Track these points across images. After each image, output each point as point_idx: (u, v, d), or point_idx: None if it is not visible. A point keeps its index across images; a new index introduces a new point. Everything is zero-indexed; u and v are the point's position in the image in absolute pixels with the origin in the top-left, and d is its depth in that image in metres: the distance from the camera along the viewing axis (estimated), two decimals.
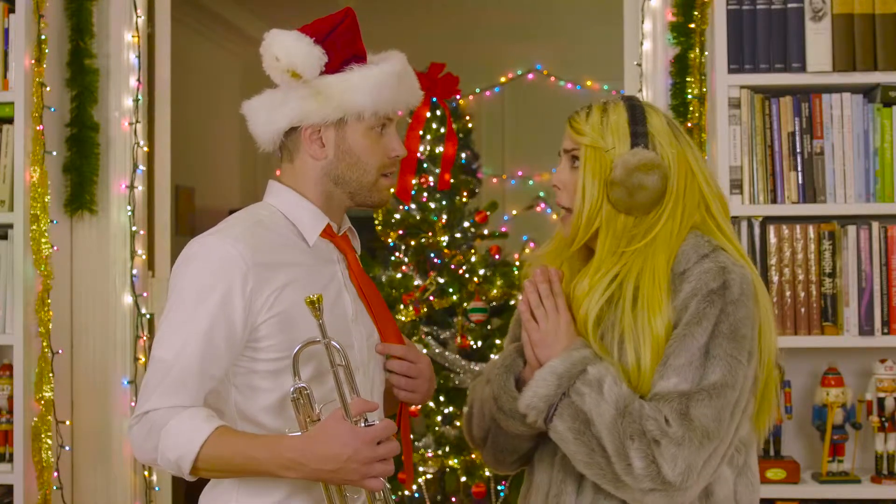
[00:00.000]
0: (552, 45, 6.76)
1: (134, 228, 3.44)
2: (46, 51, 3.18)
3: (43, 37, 3.17)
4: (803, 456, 3.10)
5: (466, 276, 4.51)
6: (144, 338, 3.45)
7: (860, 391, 3.03)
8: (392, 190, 2.03)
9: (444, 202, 4.68)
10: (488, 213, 4.74)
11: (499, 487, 4.39)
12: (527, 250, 5.18)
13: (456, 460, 4.34)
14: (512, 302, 4.61)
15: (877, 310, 2.92)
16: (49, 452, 3.11)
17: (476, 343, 4.49)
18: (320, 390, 1.83)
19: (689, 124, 3.16)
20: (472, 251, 4.66)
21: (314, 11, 1.98)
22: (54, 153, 3.29)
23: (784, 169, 2.98)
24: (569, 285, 1.89)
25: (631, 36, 3.48)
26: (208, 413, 1.79)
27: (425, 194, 4.67)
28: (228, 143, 6.49)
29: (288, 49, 1.86)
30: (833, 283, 2.94)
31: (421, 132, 4.15)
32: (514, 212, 6.57)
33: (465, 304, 4.45)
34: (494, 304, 4.55)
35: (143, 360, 3.42)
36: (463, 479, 4.34)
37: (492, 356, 4.48)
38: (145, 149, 3.53)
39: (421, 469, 4.35)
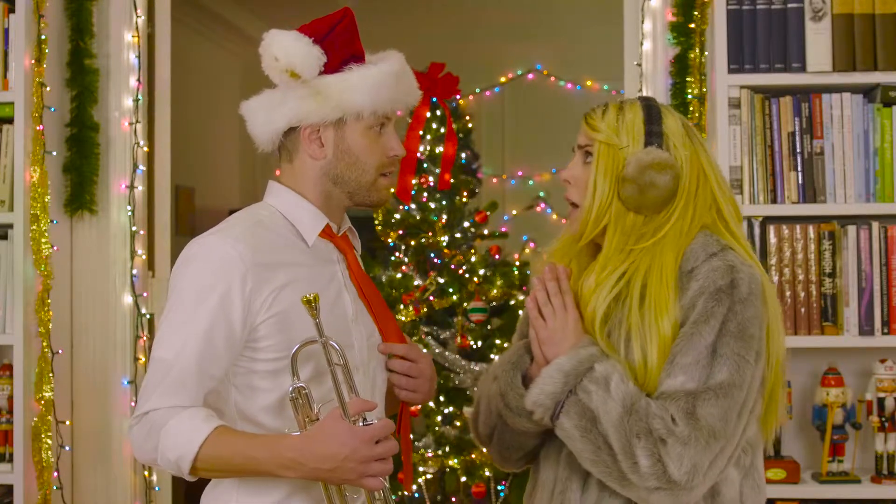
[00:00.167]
0: (552, 45, 6.76)
1: (134, 228, 3.44)
2: (46, 51, 3.18)
3: (43, 37, 3.17)
4: (803, 456, 3.10)
5: (466, 276, 4.51)
6: (144, 338, 3.45)
7: (860, 391, 3.03)
8: (391, 190, 2.03)
9: (444, 202, 4.68)
10: (488, 213, 4.74)
11: (499, 487, 4.39)
12: (527, 250, 5.19)
13: (456, 460, 4.34)
14: (512, 302, 4.61)
15: (877, 310, 2.92)
16: (49, 452, 3.11)
17: (476, 343, 4.49)
18: (320, 390, 1.83)
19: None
20: (472, 251, 4.66)
21: (314, 11, 1.98)
22: (54, 153, 3.29)
23: (784, 169, 2.98)
24: (576, 283, 1.89)
25: (631, 36, 3.48)
26: (208, 413, 1.79)
27: (425, 194, 4.67)
28: (228, 143, 6.49)
29: (287, 49, 1.87)
30: (833, 283, 2.94)
31: (421, 132, 4.15)
32: (514, 212, 6.57)
33: (465, 304, 4.45)
34: (494, 304, 4.56)
35: (143, 360, 3.42)
36: (463, 479, 4.34)
37: (492, 356, 4.49)
38: (145, 149, 3.53)
39: (421, 469, 4.36)
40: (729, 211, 1.88)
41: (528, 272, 4.64)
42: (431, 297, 4.46)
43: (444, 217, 4.64)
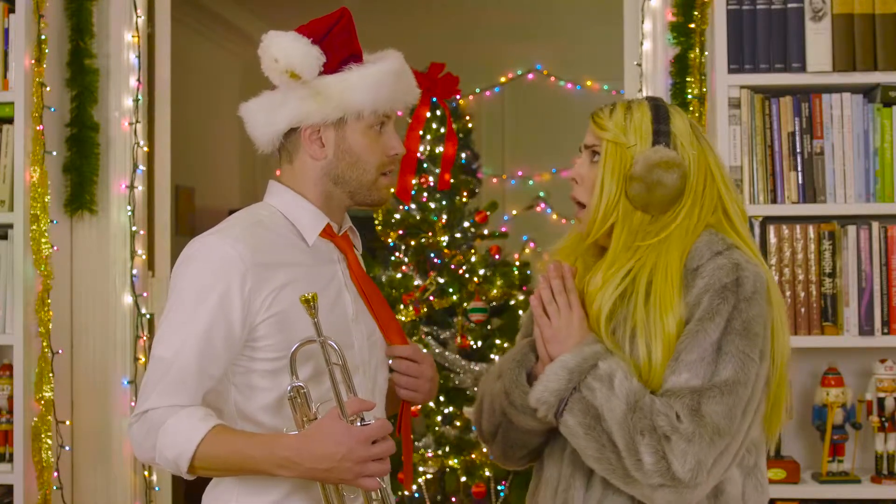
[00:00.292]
0: (552, 45, 6.76)
1: (134, 228, 3.44)
2: (46, 51, 3.18)
3: (43, 37, 3.17)
4: (803, 456, 3.10)
5: (466, 276, 4.52)
6: (144, 338, 3.45)
7: (860, 391, 3.03)
8: (392, 189, 2.03)
9: (444, 202, 4.68)
10: (488, 213, 4.74)
11: (499, 487, 4.40)
12: (527, 250, 5.19)
13: (456, 460, 4.35)
14: (512, 302, 4.61)
15: (877, 310, 2.92)
16: (49, 452, 3.11)
17: (476, 343, 4.49)
18: (319, 389, 1.83)
19: None
20: (472, 251, 4.66)
21: (314, 11, 1.99)
22: (54, 153, 3.29)
23: (784, 169, 2.98)
24: (582, 281, 1.89)
25: (631, 36, 3.48)
26: (206, 412, 1.80)
27: (425, 194, 4.68)
28: (228, 143, 6.48)
29: (286, 50, 1.87)
30: (833, 283, 2.94)
31: (421, 132, 4.15)
32: (514, 212, 6.58)
33: (465, 304, 4.45)
34: (494, 304, 4.56)
35: (143, 360, 3.42)
36: (463, 479, 4.35)
37: (492, 356, 4.49)
38: (145, 149, 3.53)
39: (421, 469, 4.36)
40: (735, 211, 1.89)
41: (529, 272, 4.65)
42: (431, 297, 4.46)
43: (444, 217, 4.64)
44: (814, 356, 3.03)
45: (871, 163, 2.96)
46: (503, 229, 5.18)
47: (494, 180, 6.89)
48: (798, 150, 2.97)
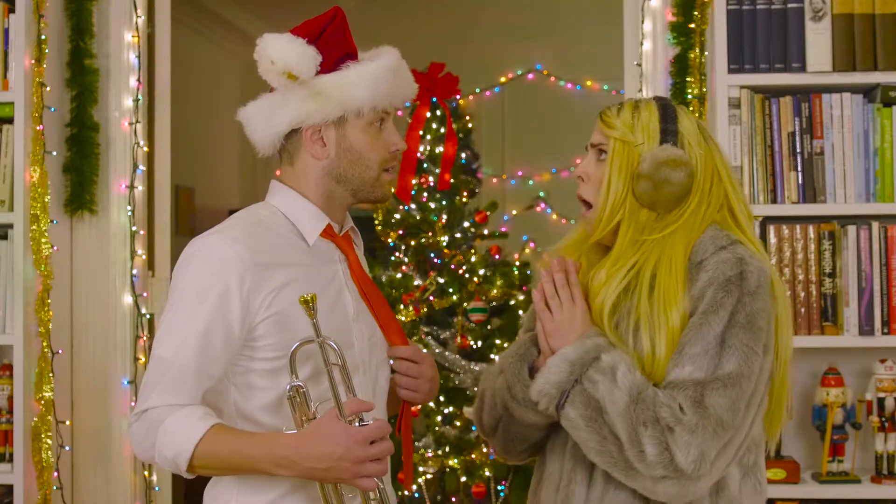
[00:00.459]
0: (552, 45, 6.76)
1: (134, 228, 3.44)
2: (46, 51, 3.18)
3: (43, 37, 3.17)
4: (803, 456, 3.10)
5: (466, 276, 4.52)
6: (144, 338, 3.45)
7: (860, 391, 3.03)
8: (393, 186, 2.03)
9: (444, 202, 4.68)
10: (488, 213, 4.74)
11: (499, 487, 4.40)
12: (527, 250, 5.19)
13: (456, 460, 4.35)
14: (512, 302, 4.61)
15: (877, 310, 2.92)
16: (49, 452, 3.11)
17: (476, 343, 4.49)
18: (318, 389, 1.84)
19: None
20: (472, 251, 4.66)
21: (315, 11, 1.99)
22: (54, 153, 3.29)
23: (784, 169, 2.98)
24: (585, 277, 1.90)
25: (631, 36, 3.48)
26: (205, 411, 1.80)
27: (425, 194, 4.68)
28: (228, 143, 6.49)
29: (282, 52, 1.87)
30: (833, 283, 2.94)
31: (421, 132, 4.15)
32: (514, 212, 6.58)
33: (465, 304, 4.45)
34: (494, 304, 4.56)
35: (143, 360, 3.42)
36: (463, 479, 4.35)
37: (492, 356, 4.49)
38: (145, 149, 3.53)
39: (421, 469, 4.36)
40: (741, 210, 1.89)
41: (529, 272, 4.65)
42: (431, 297, 4.46)
43: (444, 217, 4.64)
44: (814, 356, 3.03)
45: (871, 163, 2.96)
46: (503, 229, 5.18)
47: (494, 180, 6.89)
48: (798, 150, 2.97)
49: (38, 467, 3.09)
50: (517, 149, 7.04)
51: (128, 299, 3.44)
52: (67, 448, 3.30)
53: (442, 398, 4.44)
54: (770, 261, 1.88)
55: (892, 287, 2.93)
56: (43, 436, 3.09)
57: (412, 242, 4.58)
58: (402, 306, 4.39)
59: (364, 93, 1.89)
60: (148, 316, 3.48)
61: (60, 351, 3.22)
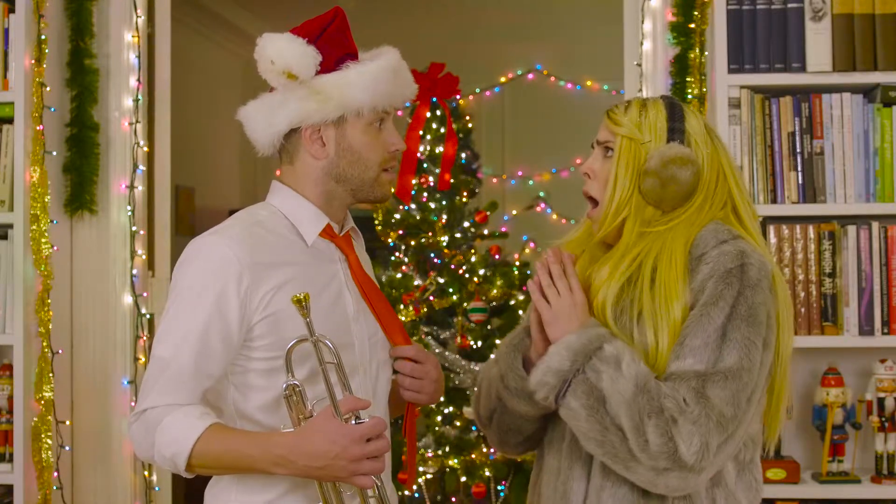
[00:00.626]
0: (552, 45, 6.76)
1: (134, 228, 3.44)
2: (46, 51, 3.18)
3: (43, 37, 3.17)
4: (803, 456, 3.10)
5: (466, 276, 4.52)
6: (144, 338, 3.45)
7: (860, 391, 3.03)
8: (393, 185, 2.03)
9: (444, 202, 4.68)
10: (488, 213, 4.74)
11: (499, 487, 4.40)
12: (527, 250, 5.19)
13: (456, 460, 4.35)
14: (512, 302, 4.61)
15: (877, 310, 2.92)
16: (49, 452, 3.11)
17: (476, 343, 4.49)
18: (317, 388, 1.84)
19: None
20: (472, 251, 4.66)
21: (315, 11, 1.99)
22: (54, 153, 3.29)
23: (784, 169, 2.98)
24: (586, 272, 1.90)
25: (631, 36, 3.48)
26: (203, 411, 1.81)
27: (425, 194, 4.68)
28: (228, 143, 6.49)
29: (282, 51, 1.87)
30: (833, 283, 2.94)
31: (421, 132, 4.15)
32: (514, 212, 6.58)
33: (465, 304, 4.45)
34: (494, 304, 4.56)
35: (143, 360, 3.42)
36: (463, 479, 4.35)
37: (492, 356, 4.48)
38: (145, 149, 3.53)
39: (421, 469, 4.36)
40: (746, 211, 1.90)
41: (529, 272, 4.65)
42: (431, 297, 4.46)
43: (444, 217, 4.64)
44: (814, 356, 3.03)
45: (871, 163, 2.96)
46: (503, 229, 5.18)
47: (494, 180, 6.89)
48: (798, 150, 2.97)
49: (38, 467, 3.09)
50: (517, 149, 7.04)
51: (128, 299, 3.44)
52: (67, 448, 3.30)
53: (442, 398, 4.44)
54: (773, 258, 1.88)
55: (892, 287, 2.93)
56: (43, 436, 3.09)
57: (412, 242, 4.58)
58: (402, 306, 4.39)
59: (364, 93, 1.89)
60: (148, 316, 3.48)
61: (60, 351, 3.22)
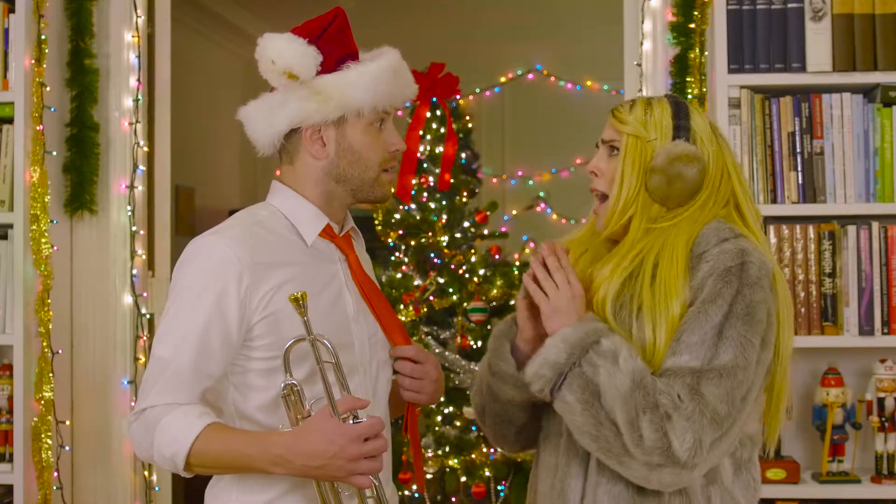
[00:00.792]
0: (552, 45, 6.76)
1: (134, 228, 3.44)
2: (46, 51, 3.18)
3: (43, 37, 3.17)
4: (803, 456, 3.10)
5: (466, 276, 4.52)
6: (144, 338, 3.45)
7: (860, 391, 3.03)
8: (393, 186, 2.03)
9: (444, 202, 4.68)
10: (488, 213, 4.74)
11: (499, 487, 4.39)
12: (527, 250, 5.19)
13: (456, 460, 4.35)
14: (512, 302, 4.61)
15: (877, 310, 2.92)
16: (49, 452, 3.11)
17: (476, 343, 4.49)
18: (315, 388, 1.83)
19: None
20: (472, 251, 4.66)
21: (315, 11, 1.99)
22: (54, 153, 3.29)
23: (784, 169, 2.98)
24: (588, 269, 1.90)
25: (631, 36, 3.48)
26: (202, 410, 1.81)
27: (425, 194, 4.68)
28: (228, 143, 6.49)
29: (282, 51, 1.87)
30: (833, 283, 2.94)
31: (421, 132, 4.15)
32: (514, 212, 6.58)
33: (465, 304, 4.45)
34: (494, 304, 4.56)
35: (143, 360, 3.42)
36: (463, 479, 4.34)
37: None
38: (145, 149, 3.53)
39: None
40: (748, 208, 1.90)
41: None
42: (431, 297, 4.46)
43: (444, 217, 4.64)
44: (814, 356, 3.03)
45: (871, 163, 2.96)
46: (503, 229, 5.18)
47: (494, 180, 6.89)
48: (798, 150, 2.97)
49: (38, 467, 3.09)
50: (517, 149, 7.04)
51: (128, 299, 3.44)
52: (67, 448, 3.30)
53: (442, 398, 4.44)
54: (774, 257, 1.88)
55: (892, 287, 2.93)
56: (43, 436, 3.09)
57: (412, 242, 4.58)
58: (402, 306, 4.39)
59: (364, 93, 1.89)
60: (148, 316, 3.48)
61: (60, 351, 3.22)
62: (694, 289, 1.78)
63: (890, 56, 2.94)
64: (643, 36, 3.40)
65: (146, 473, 3.47)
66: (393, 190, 2.08)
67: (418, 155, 4.36)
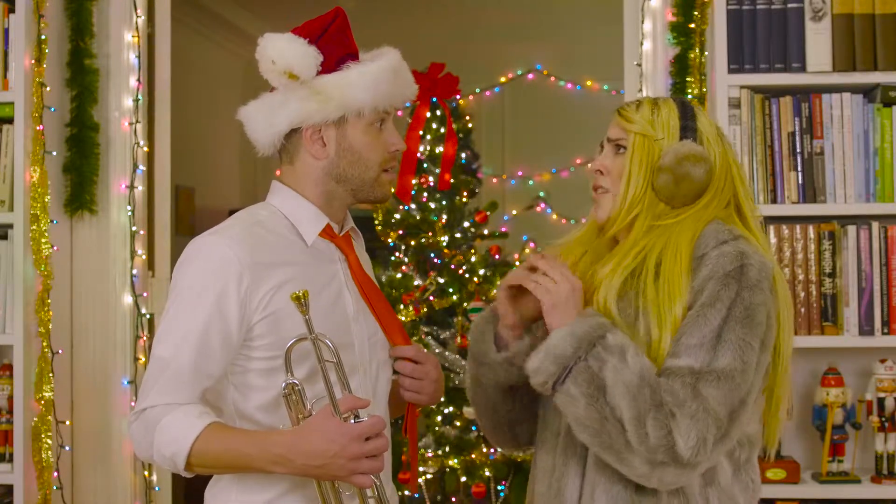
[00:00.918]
0: (552, 45, 6.76)
1: (134, 228, 3.44)
2: (46, 51, 3.18)
3: (43, 37, 3.17)
4: (803, 456, 3.10)
5: (466, 276, 4.52)
6: (144, 338, 3.45)
7: (860, 391, 3.03)
8: (393, 186, 2.03)
9: (444, 202, 4.68)
10: (488, 213, 4.75)
11: (499, 487, 4.40)
12: (527, 250, 5.19)
13: (456, 460, 4.35)
14: None
15: (877, 310, 2.92)
16: (49, 452, 3.11)
17: None
18: (316, 388, 1.84)
19: None
20: (472, 251, 4.66)
21: (315, 11, 1.99)
22: (54, 153, 3.29)
23: (784, 169, 2.98)
24: (587, 271, 1.90)
25: (631, 36, 3.48)
26: (202, 410, 1.81)
27: (425, 194, 4.68)
28: (228, 143, 6.49)
29: (283, 51, 1.87)
30: (833, 283, 2.94)
31: (421, 132, 4.15)
32: (514, 212, 6.58)
33: (465, 304, 4.45)
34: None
35: (143, 360, 3.42)
36: (463, 479, 4.35)
37: None
38: (145, 149, 3.53)
39: (421, 469, 4.36)
40: (749, 210, 1.91)
41: None
42: (431, 297, 4.46)
43: (444, 217, 4.64)
44: (814, 356, 3.03)
45: (871, 163, 2.96)
46: (503, 229, 5.18)
47: (494, 180, 6.89)
48: (798, 150, 2.97)
49: (38, 467, 3.09)
50: (517, 149, 7.04)
51: (128, 299, 3.44)
52: (67, 448, 3.30)
53: (442, 398, 4.43)
54: (774, 258, 1.88)
55: (892, 287, 2.93)
56: (43, 436, 3.09)
57: (412, 242, 4.58)
58: (402, 306, 4.39)
59: (365, 93, 1.89)
60: (148, 316, 3.48)
61: (60, 351, 3.22)
62: (694, 291, 1.78)
63: (890, 56, 2.94)
64: (643, 36, 3.40)
65: (146, 473, 3.47)
66: (393, 190, 2.08)
67: (418, 155, 4.36)
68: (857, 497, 2.97)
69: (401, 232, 4.58)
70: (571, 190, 6.42)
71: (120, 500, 3.40)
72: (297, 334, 1.80)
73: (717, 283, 1.76)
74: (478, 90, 6.85)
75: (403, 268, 4.56)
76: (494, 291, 4.46)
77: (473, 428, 4.40)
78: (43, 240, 3.11)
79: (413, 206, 4.66)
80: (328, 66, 1.90)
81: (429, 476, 4.40)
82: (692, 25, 3.20)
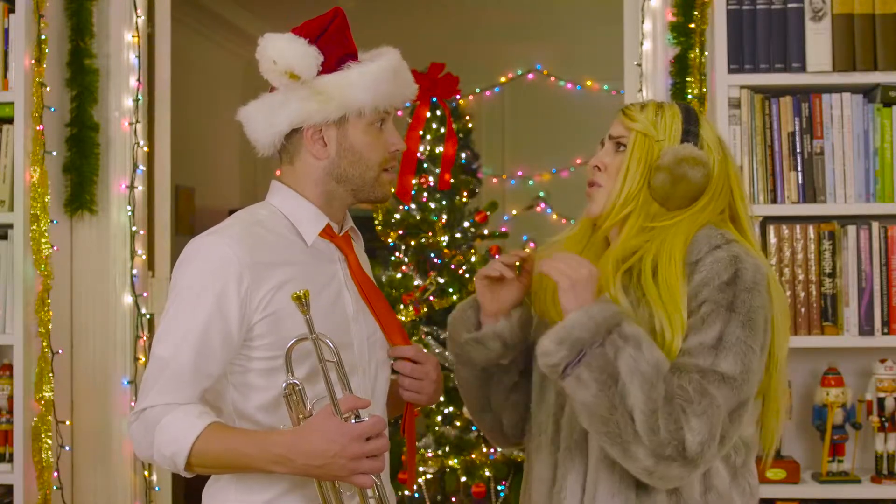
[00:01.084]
0: (552, 45, 6.76)
1: (134, 228, 3.44)
2: (46, 51, 3.18)
3: (43, 37, 3.17)
4: (803, 456, 3.10)
5: (466, 276, 4.52)
6: (144, 338, 3.45)
7: (860, 391, 3.03)
8: (393, 186, 2.04)
9: (444, 202, 4.68)
10: (488, 213, 4.75)
11: (499, 487, 4.40)
12: (527, 250, 5.19)
13: (456, 460, 4.35)
14: None
15: (877, 310, 2.92)
16: (49, 452, 3.11)
17: None
18: (316, 388, 1.84)
19: None
20: (472, 251, 4.67)
21: (315, 11, 1.99)
22: (54, 153, 3.29)
23: (784, 169, 2.98)
24: None
25: (631, 36, 3.48)
26: (202, 410, 1.81)
27: (425, 194, 4.68)
28: (228, 143, 6.49)
29: (283, 51, 1.87)
30: (833, 283, 2.94)
31: (421, 132, 4.15)
32: (514, 212, 6.58)
33: None
34: None
35: (143, 360, 3.42)
36: (463, 479, 4.35)
37: None
38: (145, 149, 3.53)
39: (421, 469, 4.36)
40: (746, 218, 1.91)
41: None
42: (431, 297, 4.46)
43: (444, 217, 4.64)
44: (814, 356, 3.03)
45: (871, 163, 2.96)
46: (503, 229, 5.18)
47: (494, 180, 6.89)
48: (798, 150, 2.97)
49: (38, 467, 3.09)
50: (517, 149, 7.05)
51: (128, 299, 3.44)
52: (67, 448, 3.30)
53: (442, 398, 4.44)
54: (768, 262, 1.88)
55: (892, 287, 2.93)
56: (43, 436, 3.09)
57: (412, 242, 4.59)
58: (402, 306, 4.39)
59: (365, 93, 1.89)
60: (148, 316, 3.48)
61: (60, 351, 3.22)
62: (689, 296, 1.77)
63: (890, 56, 2.94)
64: (643, 36, 3.40)
65: (146, 473, 3.47)
66: (393, 190, 2.08)
67: (418, 155, 4.36)
68: (857, 497, 2.97)
69: (401, 232, 4.58)
70: (571, 190, 6.42)
71: (120, 500, 3.40)
72: (298, 334, 1.80)
73: (713, 289, 1.75)
74: (478, 90, 6.85)
75: (403, 268, 4.56)
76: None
77: (473, 428, 4.40)
78: (43, 240, 3.11)
79: (413, 206, 4.66)
80: (328, 66, 1.90)
81: (429, 476, 4.40)
82: (692, 25, 3.20)
